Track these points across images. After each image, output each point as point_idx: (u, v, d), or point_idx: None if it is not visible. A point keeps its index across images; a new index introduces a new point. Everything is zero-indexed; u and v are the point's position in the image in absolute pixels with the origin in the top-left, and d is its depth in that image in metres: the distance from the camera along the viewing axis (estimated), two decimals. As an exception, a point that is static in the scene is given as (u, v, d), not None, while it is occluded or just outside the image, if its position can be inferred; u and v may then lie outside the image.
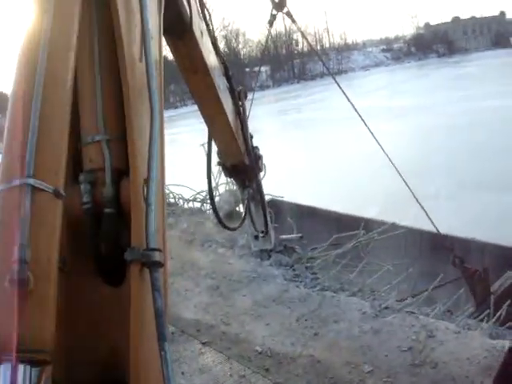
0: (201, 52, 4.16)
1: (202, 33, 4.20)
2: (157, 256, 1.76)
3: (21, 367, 1.32)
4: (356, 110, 7.64)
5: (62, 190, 1.60)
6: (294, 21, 7.99)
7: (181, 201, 11.83)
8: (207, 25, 4.49)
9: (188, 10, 3.44)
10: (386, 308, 5.87)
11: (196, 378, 5.10)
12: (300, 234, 8.85)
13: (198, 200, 11.41)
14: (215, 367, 5.26)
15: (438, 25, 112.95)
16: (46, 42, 1.70)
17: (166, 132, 2.23)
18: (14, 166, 1.53)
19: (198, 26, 4.07)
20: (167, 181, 2.31)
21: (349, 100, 7.67)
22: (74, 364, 1.87)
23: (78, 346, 1.90)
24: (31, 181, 1.50)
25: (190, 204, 11.54)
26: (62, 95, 1.73)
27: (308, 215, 12.18)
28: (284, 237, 8.46)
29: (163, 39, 2.65)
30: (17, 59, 1.73)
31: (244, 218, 6.79)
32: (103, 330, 1.97)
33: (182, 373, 5.16)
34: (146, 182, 1.87)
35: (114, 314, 1.95)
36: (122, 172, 2.05)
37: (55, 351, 1.48)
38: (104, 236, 2.03)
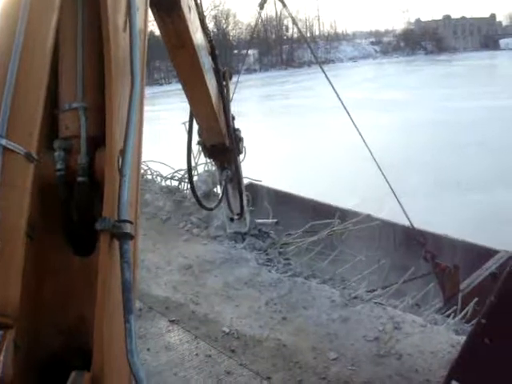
0: (188, 28, 4.11)
1: (190, 9, 4.16)
2: (128, 228, 1.74)
3: None
4: (341, 100, 7.64)
5: (35, 154, 1.57)
6: (284, 5, 7.95)
7: (158, 178, 11.74)
8: (196, 2, 4.44)
9: None
10: (356, 298, 5.91)
11: (162, 355, 5.10)
12: (275, 220, 8.87)
13: (176, 178, 11.34)
14: (182, 345, 5.27)
15: (428, 22, 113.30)
16: (27, 1, 1.66)
17: (148, 109, 2.21)
18: None
19: (187, 1, 4.03)
20: (145, 157, 2.28)
21: (334, 90, 7.67)
22: (38, 330, 1.86)
23: (44, 313, 1.88)
24: (3, 141, 1.47)
25: (168, 182, 11.46)
26: (41, 57, 1.69)
27: (285, 201, 12.18)
28: (259, 221, 8.47)
29: (150, 13, 2.61)
30: None
31: (221, 200, 6.78)
32: (70, 299, 1.95)
33: (148, 349, 5.15)
34: (122, 152, 1.84)
35: (82, 284, 1.93)
36: (97, 141, 2.02)
37: (19, 316, 1.45)
38: (76, 205, 2.01)
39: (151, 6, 2.53)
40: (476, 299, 6.63)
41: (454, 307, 6.58)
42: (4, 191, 1.44)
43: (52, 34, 1.75)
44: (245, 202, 7.23)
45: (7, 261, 1.41)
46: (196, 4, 4.41)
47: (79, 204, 1.99)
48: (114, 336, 1.71)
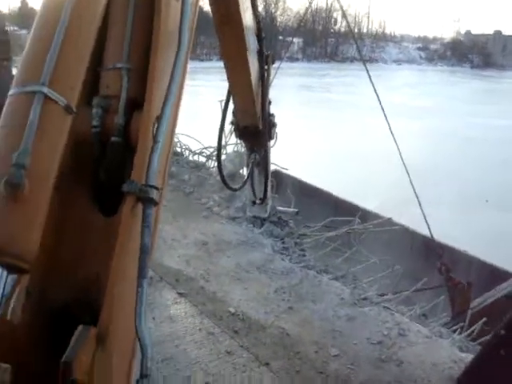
0: (238, 5, 4.11)
1: None
2: (154, 193, 1.75)
3: None
4: (380, 103, 7.58)
5: (74, 108, 1.59)
6: (337, -3, 7.85)
7: (187, 152, 11.79)
8: None
9: None
10: (365, 299, 5.90)
11: (165, 326, 5.15)
12: (296, 210, 8.86)
13: (204, 155, 11.38)
14: (186, 319, 5.31)
15: (478, 35, 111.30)
16: None
17: (187, 83, 2.21)
18: (31, 72, 1.51)
19: None
20: (178, 130, 2.29)
21: (376, 92, 7.59)
22: (51, 281, 1.87)
23: (59, 265, 1.90)
24: (45, 89, 1.48)
25: (196, 157, 11.50)
26: (91, 15, 1.71)
27: (308, 193, 12.17)
28: (280, 208, 8.47)
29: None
30: None
31: (245, 182, 6.79)
32: (87, 255, 1.97)
33: (153, 318, 5.20)
34: (158, 119, 1.85)
35: (101, 242, 1.95)
36: (136, 104, 2.03)
37: (35, 264, 1.47)
38: (106, 163, 2.02)
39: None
40: (485, 319, 6.57)
41: (462, 324, 6.52)
42: (39, 137, 1.45)
43: None
44: (269, 187, 7.23)
45: (33, 205, 1.43)
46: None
47: (110, 163, 2.01)
48: (124, 297, 1.73)
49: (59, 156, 1.55)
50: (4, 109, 1.54)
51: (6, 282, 1.37)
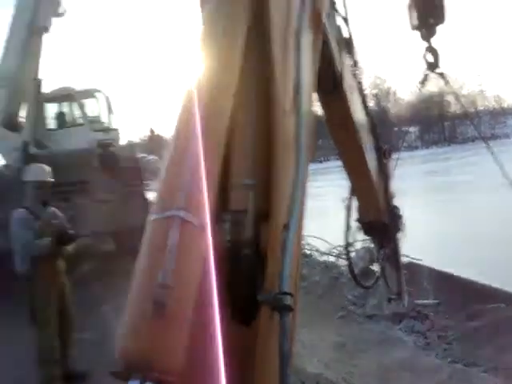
0: (349, 108, 4.22)
1: (351, 89, 4.28)
2: (288, 300, 1.79)
3: None
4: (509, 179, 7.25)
5: (208, 225, 1.70)
6: (447, 82, 7.85)
7: (316, 253, 11.81)
8: (358, 82, 4.56)
9: (340, 67, 3.53)
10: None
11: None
12: (437, 301, 8.46)
13: (333, 254, 11.33)
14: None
15: None
16: (208, 85, 1.85)
17: (308, 184, 2.29)
18: (167, 199, 1.66)
19: (349, 82, 4.16)
20: (304, 232, 2.34)
21: (501, 168, 7.31)
22: None
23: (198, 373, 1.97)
24: (181, 213, 1.61)
25: (325, 257, 11.47)
26: (218, 138, 1.86)
27: (445, 282, 11.59)
28: (419, 302, 8.13)
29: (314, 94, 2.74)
30: (181, 99, 1.89)
31: (378, 278, 6.63)
32: (226, 363, 2.02)
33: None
34: (285, 227, 1.92)
35: (239, 350, 2.00)
36: (262, 216, 2.13)
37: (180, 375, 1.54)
38: (240, 275, 2.11)
39: (315, 88, 2.66)
40: None
41: None
42: (179, 258, 1.56)
43: (227, 115, 1.93)
44: (403, 281, 7.00)
45: (177, 322, 1.51)
46: (358, 83, 4.53)
47: (243, 275, 2.09)
48: None
49: (199, 271, 1.64)
50: (145, 233, 1.68)
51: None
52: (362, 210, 6.13)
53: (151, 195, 15.65)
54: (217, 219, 2.14)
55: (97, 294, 10.74)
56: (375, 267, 8.10)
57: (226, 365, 2.06)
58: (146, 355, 1.41)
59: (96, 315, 9.28)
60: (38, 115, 14.51)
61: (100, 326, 8.66)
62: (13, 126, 15.67)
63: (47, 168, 6.32)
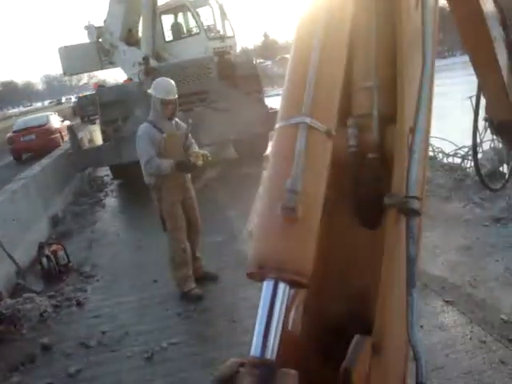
0: None
1: None
2: (415, 204, 1.77)
3: (281, 285, 1.42)
4: None
5: (333, 131, 1.68)
6: None
7: (440, 155, 11.44)
8: None
9: None
10: None
11: (435, 335, 5.02)
12: None
13: (459, 156, 10.92)
14: (455, 328, 5.11)
15: None
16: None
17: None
18: (293, 106, 1.65)
19: None
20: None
21: None
22: (322, 296, 2.00)
23: (328, 279, 2.02)
24: (307, 119, 1.60)
25: (450, 159, 11.09)
26: (340, 41, 1.80)
27: None
28: (551, 204, 7.71)
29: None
30: (300, 2, 1.82)
31: (507, 180, 6.33)
32: (353, 268, 2.06)
33: (421, 326, 5.11)
34: (412, 130, 1.86)
35: (366, 255, 2.02)
36: (388, 119, 2.07)
37: (310, 280, 1.58)
38: (365, 180, 2.09)
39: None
40: None
41: None
42: (307, 164, 1.56)
43: (349, 17, 1.84)
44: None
45: (307, 226, 1.53)
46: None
47: (368, 179, 2.06)
48: (395, 307, 1.77)
49: (325, 178, 1.65)
50: (273, 141, 1.70)
51: (288, 296, 1.48)
52: (490, 108, 5.76)
53: (269, 101, 15.72)
54: (341, 125, 2.11)
55: (222, 199, 11.23)
56: (504, 169, 7.74)
57: (351, 269, 2.09)
58: (279, 257, 1.45)
59: (222, 220, 9.75)
60: (155, 28, 14.76)
61: (227, 230, 9.12)
62: (132, 40, 16.12)
63: (174, 84, 6.44)
